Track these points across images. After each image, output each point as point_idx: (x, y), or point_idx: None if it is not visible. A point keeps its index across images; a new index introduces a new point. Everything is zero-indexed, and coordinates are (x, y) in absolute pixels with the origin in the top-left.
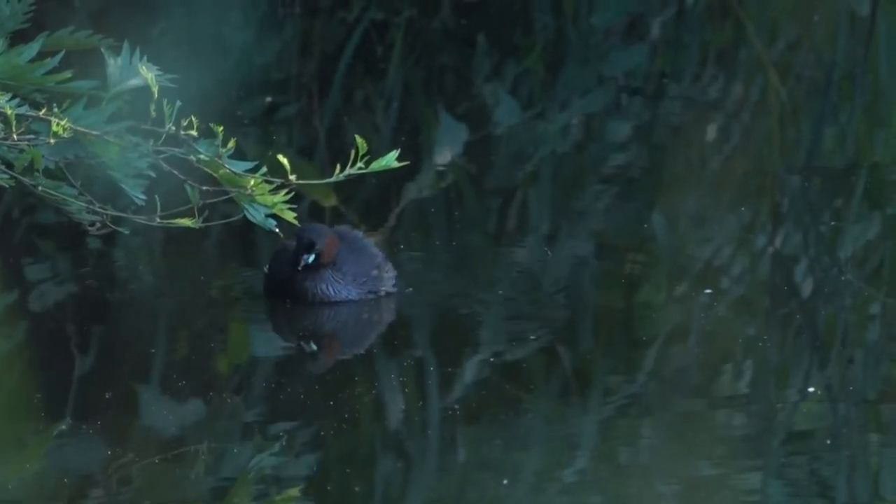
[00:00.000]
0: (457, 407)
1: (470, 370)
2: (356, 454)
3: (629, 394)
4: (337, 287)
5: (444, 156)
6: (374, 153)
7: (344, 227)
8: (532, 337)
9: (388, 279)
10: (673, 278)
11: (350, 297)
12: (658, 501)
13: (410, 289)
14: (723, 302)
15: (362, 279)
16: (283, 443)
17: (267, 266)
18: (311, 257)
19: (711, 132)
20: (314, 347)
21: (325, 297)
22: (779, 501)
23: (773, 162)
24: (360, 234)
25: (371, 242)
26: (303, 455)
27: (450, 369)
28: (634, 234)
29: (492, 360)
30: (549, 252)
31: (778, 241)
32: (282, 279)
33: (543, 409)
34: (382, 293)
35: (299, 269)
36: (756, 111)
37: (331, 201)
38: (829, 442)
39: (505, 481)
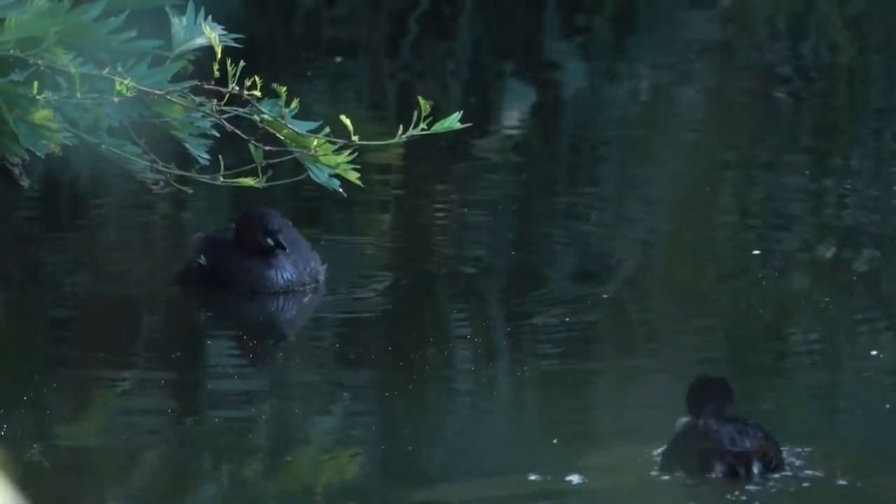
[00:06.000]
0: None
1: None
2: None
3: None
4: (294, 273)
5: (511, 118)
6: (443, 113)
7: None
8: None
9: (321, 270)
10: None
11: (305, 285)
12: None
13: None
14: None
15: (305, 267)
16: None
17: (202, 256)
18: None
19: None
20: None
21: (284, 286)
22: None
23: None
24: (289, 223)
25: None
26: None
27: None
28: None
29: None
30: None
31: None
32: (227, 267)
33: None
34: (320, 282)
35: (278, 250)
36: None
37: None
38: None
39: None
